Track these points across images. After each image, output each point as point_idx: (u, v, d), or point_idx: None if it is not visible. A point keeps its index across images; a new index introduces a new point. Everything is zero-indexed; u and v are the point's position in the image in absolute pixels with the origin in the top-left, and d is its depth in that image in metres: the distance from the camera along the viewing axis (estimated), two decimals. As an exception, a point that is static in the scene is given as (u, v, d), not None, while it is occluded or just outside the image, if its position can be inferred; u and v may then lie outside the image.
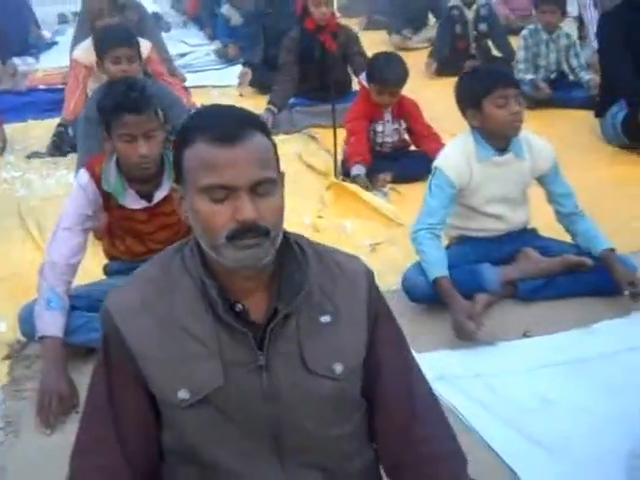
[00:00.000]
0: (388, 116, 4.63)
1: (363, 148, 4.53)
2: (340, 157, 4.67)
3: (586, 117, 5.35)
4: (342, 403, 1.59)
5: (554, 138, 5.15)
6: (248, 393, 1.52)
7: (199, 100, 6.68)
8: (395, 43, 8.31)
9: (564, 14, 6.22)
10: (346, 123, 4.67)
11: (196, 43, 9.14)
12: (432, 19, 8.75)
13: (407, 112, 4.66)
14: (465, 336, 2.90)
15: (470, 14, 7.12)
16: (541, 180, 3.30)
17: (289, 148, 5.18)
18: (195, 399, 1.51)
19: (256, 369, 1.51)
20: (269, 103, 5.71)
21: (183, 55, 8.47)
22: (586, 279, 3.19)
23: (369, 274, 1.64)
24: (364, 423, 1.65)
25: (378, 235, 3.85)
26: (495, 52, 7.30)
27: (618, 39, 4.82)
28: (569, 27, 7.20)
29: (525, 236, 3.36)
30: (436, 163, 3.20)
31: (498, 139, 3.15)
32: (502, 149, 3.18)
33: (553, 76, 6.16)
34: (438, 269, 3.05)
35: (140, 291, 1.55)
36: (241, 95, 6.74)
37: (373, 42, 8.63)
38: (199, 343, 1.51)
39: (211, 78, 7.46)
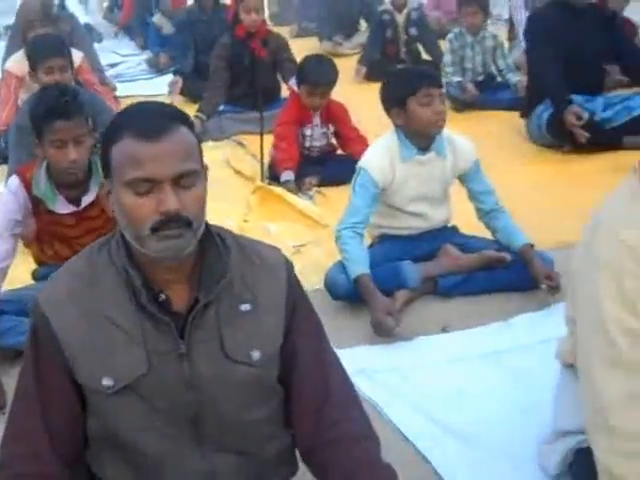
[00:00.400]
0: (317, 120, 4.66)
1: (292, 154, 4.55)
2: (267, 160, 4.69)
3: (513, 118, 5.44)
4: (259, 389, 1.64)
5: (481, 138, 5.24)
6: (170, 380, 1.57)
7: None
8: (326, 49, 8.35)
9: (487, 14, 6.32)
10: (276, 127, 4.69)
11: (127, 53, 9.12)
12: (364, 25, 8.81)
13: (335, 116, 4.69)
14: (384, 332, 2.93)
15: (401, 18, 7.22)
16: (462, 178, 3.35)
17: (217, 155, 5.17)
18: (119, 386, 1.56)
19: (177, 357, 1.57)
20: (198, 110, 5.71)
21: (114, 65, 8.43)
22: (505, 274, 3.24)
23: (289, 265, 1.70)
24: (281, 408, 1.69)
25: (302, 237, 3.87)
26: (425, 56, 7.39)
27: (545, 39, 4.91)
28: (499, 29, 7.35)
29: (446, 233, 3.41)
30: (360, 163, 3.23)
31: (421, 138, 3.20)
32: (425, 148, 3.23)
33: (480, 78, 6.27)
34: (359, 267, 3.08)
35: (67, 283, 1.60)
36: (171, 104, 6.69)
37: (304, 49, 8.61)
38: (123, 332, 1.56)
39: (141, 87, 7.45)
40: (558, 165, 4.75)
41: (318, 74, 4.55)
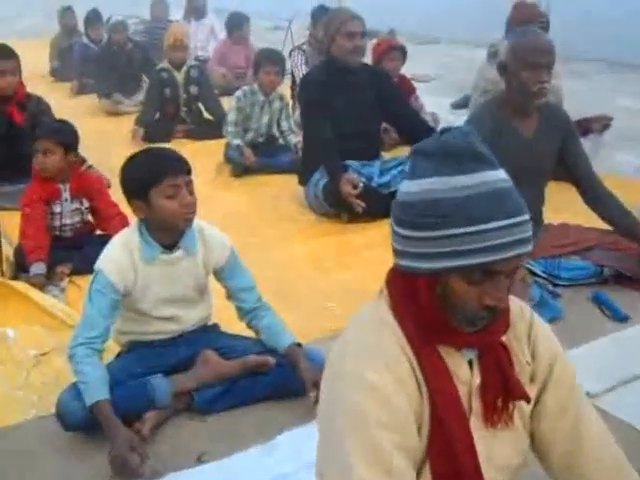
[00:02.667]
0: (66, 194, 4.14)
1: (41, 240, 3.98)
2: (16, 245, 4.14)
3: (293, 182, 5.15)
4: None
5: (258, 207, 5.02)
6: None
7: None
8: (105, 107, 7.85)
9: (283, 75, 6.04)
10: (21, 209, 4.14)
11: None
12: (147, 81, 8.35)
13: (89, 189, 4.19)
14: (127, 473, 2.47)
15: (180, 76, 6.82)
16: (217, 275, 2.96)
17: None
18: None
19: None
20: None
21: None
22: (269, 380, 2.88)
23: None
24: None
25: (46, 342, 3.35)
26: (206, 115, 7.04)
27: (316, 102, 4.66)
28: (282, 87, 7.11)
29: (204, 336, 3.00)
30: (97, 265, 2.78)
31: (167, 233, 2.79)
32: (171, 246, 2.82)
33: (261, 139, 5.97)
34: (97, 391, 2.60)
35: None
36: None
37: (83, 107, 8.17)
38: None
39: None
40: (336, 237, 4.48)
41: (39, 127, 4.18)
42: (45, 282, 3.85)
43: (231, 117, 5.87)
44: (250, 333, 3.04)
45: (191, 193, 2.76)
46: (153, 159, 2.81)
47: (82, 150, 6.05)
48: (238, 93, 5.93)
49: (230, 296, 3.00)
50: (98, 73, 8.14)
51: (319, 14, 7.10)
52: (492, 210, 1.42)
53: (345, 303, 3.61)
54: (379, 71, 5.13)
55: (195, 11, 9.64)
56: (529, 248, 1.46)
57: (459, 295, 1.48)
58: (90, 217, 4.27)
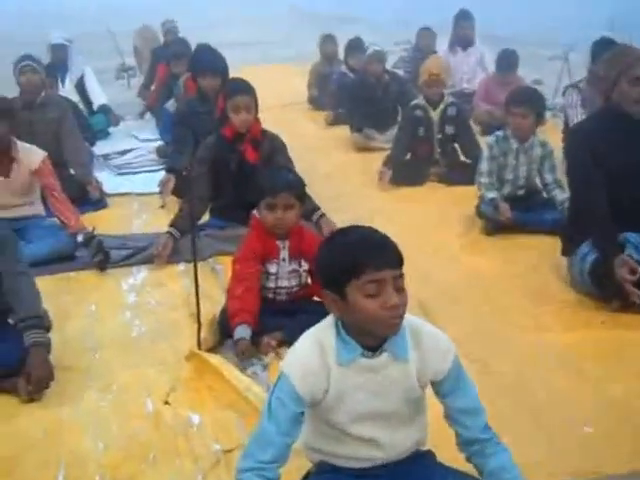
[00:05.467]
0: (284, 253, 3.63)
1: (250, 303, 3.50)
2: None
3: (553, 247, 4.31)
4: None
5: (510, 275, 4.25)
6: None
7: (114, 213, 5.84)
8: (356, 142, 7.37)
9: (540, 120, 5.17)
10: (233, 265, 3.67)
11: (146, 138, 8.26)
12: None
13: (309, 249, 3.63)
14: None
15: (436, 115, 6.17)
16: (435, 388, 2.27)
17: (181, 285, 4.29)
18: None
19: None
20: (171, 225, 4.75)
21: (124, 152, 7.60)
22: None
23: None
24: None
25: (234, 435, 2.81)
26: (462, 157, 6.33)
27: (590, 159, 3.78)
28: (550, 132, 6.26)
29: (415, 468, 2.30)
30: (282, 366, 2.20)
31: (368, 337, 2.15)
32: (374, 347, 2.17)
33: (521, 192, 5.17)
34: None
35: None
36: (162, 207, 5.78)
37: (334, 139, 7.78)
38: None
39: (136, 183, 6.59)
40: (600, 332, 3.56)
41: (273, 179, 3.63)
42: (250, 353, 3.34)
43: (483, 166, 5.12)
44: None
45: (400, 290, 2.09)
46: (352, 245, 2.14)
47: (325, 189, 5.68)
48: (490, 140, 5.17)
49: (448, 416, 2.28)
50: (352, 104, 7.67)
51: (600, 49, 6.12)
52: None
53: (607, 429, 2.76)
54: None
55: (462, 40, 8.89)
56: None
57: None
58: (309, 280, 3.72)
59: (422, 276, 4.13)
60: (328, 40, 9.46)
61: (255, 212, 3.68)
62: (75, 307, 4.20)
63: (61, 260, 4.77)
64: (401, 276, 2.11)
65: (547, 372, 3.20)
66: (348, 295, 2.08)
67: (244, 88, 4.79)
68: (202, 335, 3.47)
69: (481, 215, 5.06)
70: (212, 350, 3.48)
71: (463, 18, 8.83)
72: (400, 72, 8.81)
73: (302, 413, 2.16)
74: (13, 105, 4.81)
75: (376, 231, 2.22)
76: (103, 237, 4.99)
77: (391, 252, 2.13)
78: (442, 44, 9.25)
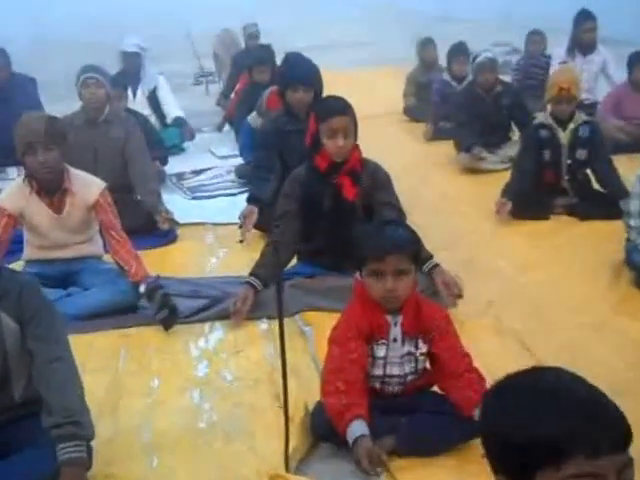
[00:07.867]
0: (396, 332, 2.74)
1: (357, 397, 2.63)
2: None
3: None
4: None
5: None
6: None
7: (185, 248, 5.06)
8: (463, 162, 6.38)
9: None
10: (330, 345, 2.79)
11: (224, 155, 7.46)
12: (517, 132, 6.72)
13: (430, 324, 2.75)
14: None
15: (565, 136, 5.16)
16: None
17: (265, 351, 3.52)
18: None
19: None
20: (251, 274, 3.89)
21: (199, 172, 6.82)
22: None
23: None
24: None
25: None
26: (596, 186, 5.31)
27: None
28: None
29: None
30: None
31: None
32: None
33: (685, 236, 4.16)
34: None
35: None
36: (241, 241, 4.93)
37: (435, 156, 6.83)
38: None
39: (212, 211, 5.76)
40: None
41: (378, 237, 2.75)
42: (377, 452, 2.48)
43: (634, 206, 4.10)
44: None
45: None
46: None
47: (431, 223, 4.79)
48: (641, 173, 4.17)
49: None
50: (457, 119, 6.69)
51: None
52: None
53: None
54: None
55: (583, 44, 7.73)
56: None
57: None
58: (428, 365, 2.82)
59: (571, 355, 3.21)
60: (427, 45, 8.46)
61: (357, 275, 2.80)
62: (132, 380, 3.41)
63: (121, 311, 4.00)
64: (628, 465, 1.23)
65: None
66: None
67: (341, 108, 3.89)
68: (291, 445, 2.61)
69: (631, 265, 4.07)
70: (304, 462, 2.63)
71: (585, 19, 7.70)
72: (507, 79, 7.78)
73: None
74: (65, 129, 4.02)
75: (583, 382, 1.34)
76: (171, 281, 4.23)
77: (616, 424, 1.24)
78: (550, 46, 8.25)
